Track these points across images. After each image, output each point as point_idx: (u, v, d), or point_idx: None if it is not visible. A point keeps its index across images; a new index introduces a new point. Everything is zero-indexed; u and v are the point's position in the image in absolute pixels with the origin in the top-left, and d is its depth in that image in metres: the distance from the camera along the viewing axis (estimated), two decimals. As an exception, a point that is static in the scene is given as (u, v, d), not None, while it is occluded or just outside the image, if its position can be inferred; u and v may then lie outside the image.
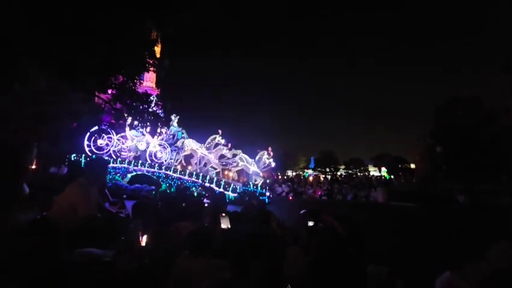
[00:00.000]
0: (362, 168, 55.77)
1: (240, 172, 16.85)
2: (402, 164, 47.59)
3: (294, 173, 46.85)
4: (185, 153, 15.84)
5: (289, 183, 22.87)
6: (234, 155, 15.87)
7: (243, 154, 15.87)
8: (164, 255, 2.57)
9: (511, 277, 2.00)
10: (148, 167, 14.78)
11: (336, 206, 16.30)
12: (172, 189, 13.79)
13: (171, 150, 15.52)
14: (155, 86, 25.75)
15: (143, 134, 14.94)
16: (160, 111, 15.67)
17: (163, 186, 14.10)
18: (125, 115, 9.40)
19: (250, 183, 14.52)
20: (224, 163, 16.09)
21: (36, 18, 5.15)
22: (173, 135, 16.01)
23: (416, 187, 21.58)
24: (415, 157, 29.37)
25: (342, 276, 1.35)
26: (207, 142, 15.72)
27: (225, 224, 3.52)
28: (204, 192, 13.56)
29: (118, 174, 14.84)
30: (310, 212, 2.68)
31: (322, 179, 38.91)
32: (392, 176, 34.73)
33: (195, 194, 13.15)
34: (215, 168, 15.99)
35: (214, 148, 15.71)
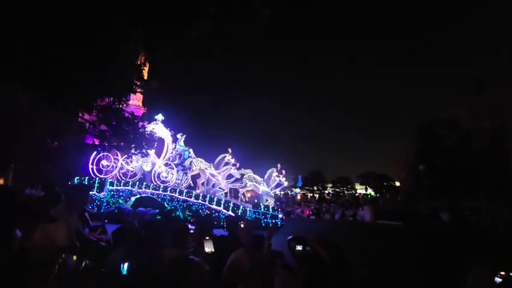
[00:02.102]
0: (349, 186, 56.30)
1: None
2: (388, 181, 48.56)
3: (281, 192, 46.71)
4: (193, 173, 15.01)
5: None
6: (242, 175, 14.92)
7: (251, 173, 14.98)
8: (146, 284, 2.47)
9: None
10: (152, 189, 14.13)
11: (325, 225, 16.20)
12: (178, 213, 13.12)
13: (177, 171, 14.79)
14: (142, 105, 25.64)
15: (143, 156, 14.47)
16: (171, 132, 15.28)
17: (168, 208, 13.38)
18: (108, 135, 9.17)
19: (261, 204, 13.77)
20: (232, 184, 15.20)
21: (20, 36, 5.08)
22: (180, 155, 15.20)
23: (401, 205, 21.93)
24: (400, 175, 30.07)
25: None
26: (216, 161, 14.93)
27: (208, 247, 3.43)
28: (189, 214, 13.10)
29: (122, 197, 14.19)
30: (296, 238, 2.66)
31: (310, 197, 38.91)
32: (378, 194, 35.25)
33: (181, 216, 12.74)
34: (223, 189, 15.12)
35: (222, 167, 14.88)
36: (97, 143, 10.34)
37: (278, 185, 15.45)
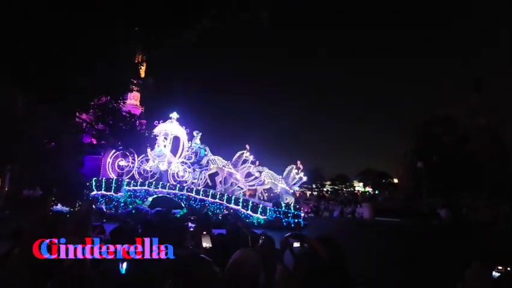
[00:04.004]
0: (347, 184, 56.43)
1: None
2: (386, 179, 48.70)
3: (280, 190, 46.71)
4: (211, 172, 14.68)
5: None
6: (260, 172, 14.54)
7: (269, 171, 14.52)
8: (144, 284, 2.45)
9: None
10: (169, 189, 13.93)
11: (324, 223, 16.20)
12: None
13: (194, 169, 14.58)
14: (140, 104, 25.55)
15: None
16: (187, 130, 14.92)
17: (184, 209, 13.34)
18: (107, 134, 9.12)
19: (282, 203, 13.32)
20: (251, 182, 14.82)
21: (18, 39, 5.07)
22: (196, 153, 14.96)
23: (400, 202, 22.00)
24: (398, 172, 30.13)
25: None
26: (233, 159, 14.51)
27: (206, 242, 3.44)
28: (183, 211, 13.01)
29: (139, 198, 14.06)
30: (294, 234, 2.65)
31: (308, 195, 38.98)
32: (377, 191, 35.34)
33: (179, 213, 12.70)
34: (242, 188, 14.85)
35: (241, 165, 14.45)
36: (94, 142, 10.31)
37: (298, 181, 14.92)
